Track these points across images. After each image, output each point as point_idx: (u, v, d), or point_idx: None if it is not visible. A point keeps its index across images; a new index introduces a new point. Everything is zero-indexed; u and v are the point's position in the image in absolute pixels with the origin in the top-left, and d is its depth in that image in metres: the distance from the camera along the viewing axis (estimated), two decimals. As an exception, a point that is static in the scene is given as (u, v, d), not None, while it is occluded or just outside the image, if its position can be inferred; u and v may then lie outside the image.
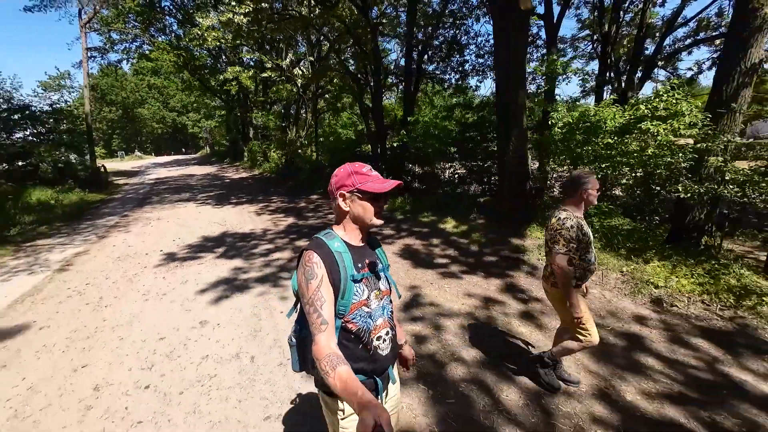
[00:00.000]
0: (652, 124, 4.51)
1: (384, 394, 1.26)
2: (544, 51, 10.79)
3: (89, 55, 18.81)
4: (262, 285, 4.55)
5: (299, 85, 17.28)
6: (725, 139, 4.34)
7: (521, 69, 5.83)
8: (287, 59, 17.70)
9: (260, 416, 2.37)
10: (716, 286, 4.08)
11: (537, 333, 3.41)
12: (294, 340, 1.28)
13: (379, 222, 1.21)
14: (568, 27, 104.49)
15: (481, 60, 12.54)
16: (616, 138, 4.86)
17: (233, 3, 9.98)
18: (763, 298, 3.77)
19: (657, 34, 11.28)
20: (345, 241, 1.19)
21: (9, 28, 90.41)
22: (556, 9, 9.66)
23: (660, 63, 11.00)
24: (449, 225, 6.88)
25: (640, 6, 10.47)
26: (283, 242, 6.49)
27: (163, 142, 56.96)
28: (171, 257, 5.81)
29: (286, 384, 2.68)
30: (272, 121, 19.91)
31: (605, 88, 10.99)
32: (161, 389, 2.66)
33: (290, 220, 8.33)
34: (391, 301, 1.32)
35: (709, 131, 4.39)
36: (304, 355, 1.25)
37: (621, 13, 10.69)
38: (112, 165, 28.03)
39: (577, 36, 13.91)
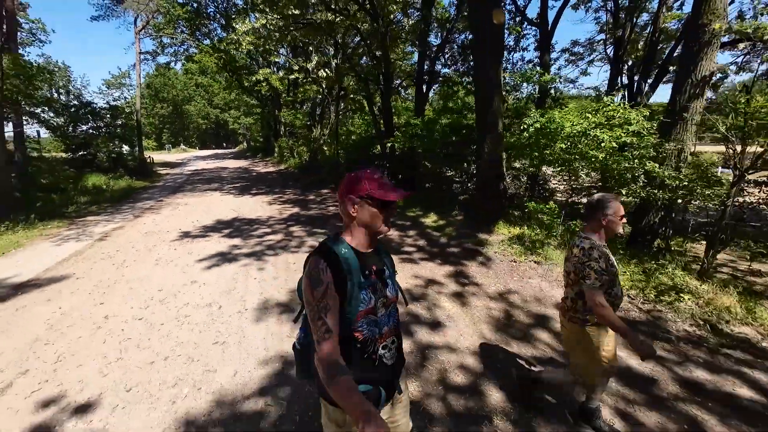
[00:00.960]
0: (599, 131, 4.84)
1: (389, 405, 1.24)
2: (538, 55, 10.92)
3: (142, 58, 21.10)
4: (248, 258, 5.45)
5: (324, 86, 18.38)
6: (670, 147, 4.61)
7: (496, 79, 6.29)
8: (313, 62, 18.84)
9: (210, 341, 3.20)
10: (647, 283, 4.40)
11: (458, 308, 3.98)
12: (298, 346, 1.27)
13: (387, 230, 1.20)
14: (583, 30, 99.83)
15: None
16: (568, 143, 5.21)
17: (266, 10, 11.21)
18: (681, 295, 4.07)
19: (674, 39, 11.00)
20: (352, 247, 1.18)
21: (81, 35, 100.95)
22: (556, 13, 9.81)
23: (674, 68, 10.74)
24: (430, 220, 7.47)
25: (655, 10, 10.33)
26: (279, 227, 7.41)
27: (207, 136, 61.35)
28: (186, 235, 6.91)
29: (238, 325, 3.50)
30: (299, 119, 21.20)
31: (615, 92, 10.93)
32: (149, 321, 3.59)
33: (294, 210, 9.28)
34: (397, 310, 1.30)
35: (653, 139, 4.67)
36: (307, 363, 1.22)
37: (634, 17, 10.60)
38: (159, 156, 30.98)
39: (593, 39, 13.73)
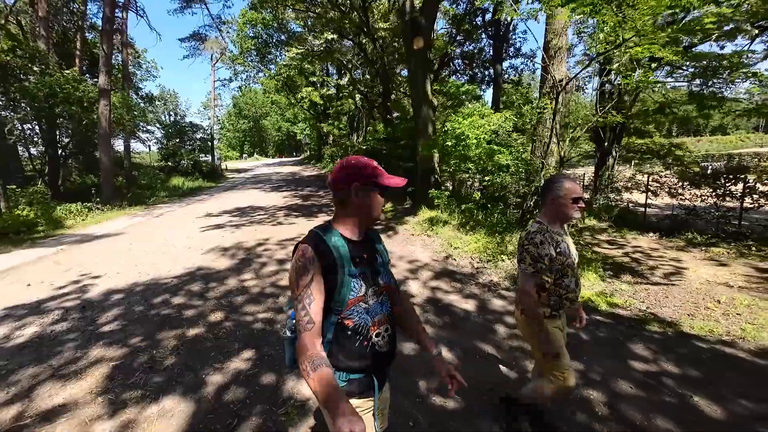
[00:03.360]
0: (468, 131, 6.06)
1: (380, 395, 1.20)
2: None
3: (218, 85, 26.20)
4: (236, 228, 7.87)
5: (356, 99, 20.95)
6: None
7: (423, 91, 7.79)
8: (345, 79, 21.54)
9: (177, 257, 5.54)
10: (495, 249, 5.59)
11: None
12: (288, 333, 1.23)
13: (378, 217, 1.22)
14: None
15: (485, 71, 13.82)
16: (453, 143, 6.43)
17: (296, 45, 14.17)
18: (502, 256, 5.24)
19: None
20: (343, 236, 1.15)
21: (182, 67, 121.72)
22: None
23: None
24: (388, 206, 9.14)
25: None
26: (273, 211, 9.82)
27: (284, 146, 69.62)
28: (208, 215, 9.70)
29: (190, 254, 5.79)
30: (337, 130, 24.09)
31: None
32: (159, 249, 6.12)
33: (295, 201, 11.69)
34: (389, 298, 1.25)
35: (506, 136, 5.80)
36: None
37: None
38: (235, 164, 37.04)
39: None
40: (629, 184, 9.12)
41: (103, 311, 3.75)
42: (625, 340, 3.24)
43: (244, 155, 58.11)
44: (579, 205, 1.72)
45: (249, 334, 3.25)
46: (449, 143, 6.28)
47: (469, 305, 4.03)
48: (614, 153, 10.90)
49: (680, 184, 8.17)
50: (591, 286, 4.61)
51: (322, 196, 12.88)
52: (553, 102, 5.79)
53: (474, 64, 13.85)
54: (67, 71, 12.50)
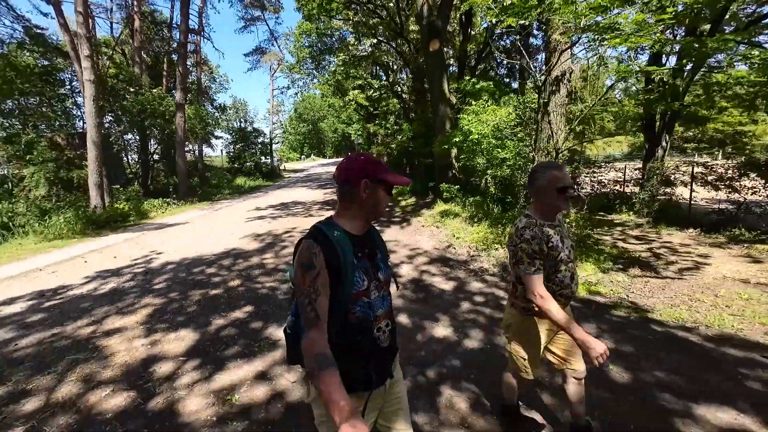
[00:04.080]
0: (472, 127, 6.26)
1: (383, 388, 1.21)
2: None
3: (276, 93, 28.78)
4: (273, 219, 9.05)
5: (400, 99, 21.59)
6: (542, 135, 5.90)
7: (441, 90, 8.14)
8: (390, 80, 22.26)
9: (223, 240, 6.75)
10: (492, 238, 5.86)
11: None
12: (289, 330, 1.23)
13: (381, 214, 1.23)
14: None
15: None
16: (461, 138, 6.63)
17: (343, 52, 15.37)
18: (495, 245, 5.48)
19: None
20: (345, 230, 1.16)
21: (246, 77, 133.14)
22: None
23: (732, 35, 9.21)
24: (407, 201, 9.66)
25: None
26: (309, 205, 10.93)
27: (342, 147, 73.19)
28: (257, 209, 11.14)
29: (237, 242, 6.96)
30: (383, 129, 24.97)
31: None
32: (209, 237, 7.44)
33: (334, 197, 12.69)
34: (390, 292, 1.27)
35: (509, 130, 5.95)
36: (298, 348, 1.12)
37: None
38: (293, 165, 40.10)
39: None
40: (672, 177, 8.41)
41: (157, 275, 4.95)
42: (580, 319, 3.43)
43: (302, 156, 62.20)
44: (566, 194, 1.57)
45: (254, 296, 4.11)
46: (458, 139, 6.59)
47: (448, 286, 4.45)
48: (664, 143, 10.02)
49: (734, 174, 7.39)
50: (587, 276, 4.69)
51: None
52: (548, 94, 5.83)
53: (511, 57, 13.59)
54: (155, 90, 15.13)
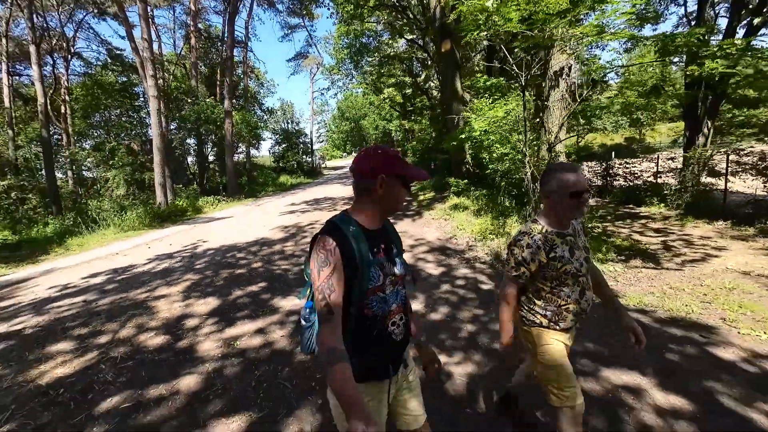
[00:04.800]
0: (474, 122, 6.50)
1: (395, 379, 1.23)
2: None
3: (317, 95, 30.31)
4: (302, 213, 10.04)
5: (428, 97, 21.79)
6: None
7: (453, 88, 8.44)
8: (422, 76, 22.50)
9: (257, 230, 7.82)
10: (490, 230, 6.18)
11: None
12: (303, 322, 1.25)
13: (399, 208, 1.22)
14: None
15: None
16: (467, 135, 6.86)
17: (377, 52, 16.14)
18: (491, 236, 5.80)
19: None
20: (361, 225, 1.16)
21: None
22: None
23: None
24: (426, 196, 10.09)
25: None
26: (338, 200, 11.79)
27: (385, 144, 74.44)
28: (292, 204, 12.28)
29: (266, 233, 7.97)
30: (417, 125, 25.29)
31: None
32: (245, 228, 8.59)
33: (362, 192, 13.50)
34: (404, 287, 1.28)
35: (508, 126, 6.14)
36: (312, 339, 1.19)
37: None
38: (334, 162, 41.85)
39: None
40: (708, 166, 7.89)
41: (199, 258, 6.04)
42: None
43: (345, 154, 64.19)
44: (580, 200, 1.43)
45: (269, 276, 4.95)
46: (463, 135, 6.91)
47: (437, 271, 4.93)
48: (706, 130, 9.29)
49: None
50: (576, 265, 4.90)
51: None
52: (547, 89, 5.96)
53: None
54: (208, 99, 17.05)
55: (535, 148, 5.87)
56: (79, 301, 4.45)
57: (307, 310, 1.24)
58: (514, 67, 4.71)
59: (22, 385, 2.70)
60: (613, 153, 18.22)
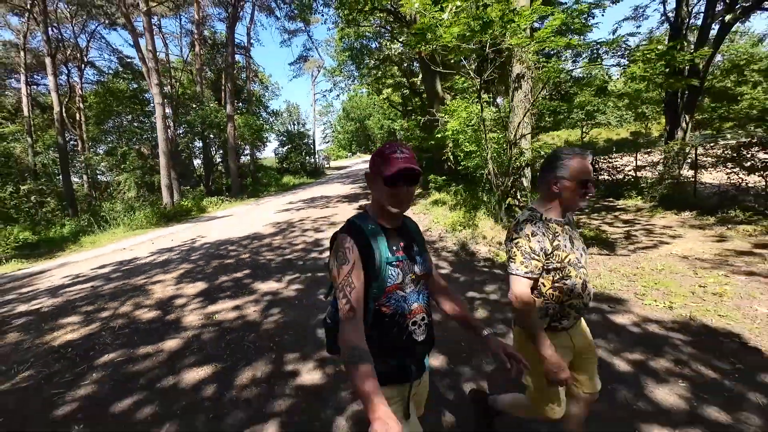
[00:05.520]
0: (449, 122, 6.95)
1: (417, 382, 1.21)
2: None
3: (318, 97, 31.06)
4: (296, 210, 10.63)
5: (420, 98, 22.25)
6: (510, 130, 6.55)
7: (435, 90, 8.90)
8: (418, 78, 22.94)
9: (250, 227, 8.45)
10: (474, 227, 6.63)
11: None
12: (329, 321, 1.26)
13: (396, 210, 1.13)
14: None
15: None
16: (442, 134, 7.31)
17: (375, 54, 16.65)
18: (459, 227, 6.27)
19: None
20: (379, 223, 1.15)
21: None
22: None
23: None
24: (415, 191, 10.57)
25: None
26: (333, 199, 12.36)
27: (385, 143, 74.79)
28: (289, 203, 12.89)
29: (258, 227, 8.60)
30: (413, 126, 25.75)
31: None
32: (241, 225, 9.23)
33: (358, 192, 14.04)
34: (427, 286, 1.26)
35: (473, 123, 6.60)
36: (336, 339, 1.11)
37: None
38: (339, 162, 42.46)
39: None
40: (682, 159, 8.19)
41: (195, 251, 6.68)
42: (488, 279, 4.25)
43: (350, 154, 64.95)
44: (586, 189, 1.34)
45: (254, 265, 5.53)
46: (439, 135, 7.39)
47: (404, 259, 5.45)
48: (684, 124, 9.55)
49: (734, 153, 7.12)
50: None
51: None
52: (512, 91, 6.39)
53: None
54: (213, 104, 17.84)
55: (503, 145, 6.32)
56: (88, 286, 5.11)
57: (333, 309, 1.25)
58: (470, 73, 5.15)
59: (39, 346, 3.33)
60: (614, 148, 18.38)
